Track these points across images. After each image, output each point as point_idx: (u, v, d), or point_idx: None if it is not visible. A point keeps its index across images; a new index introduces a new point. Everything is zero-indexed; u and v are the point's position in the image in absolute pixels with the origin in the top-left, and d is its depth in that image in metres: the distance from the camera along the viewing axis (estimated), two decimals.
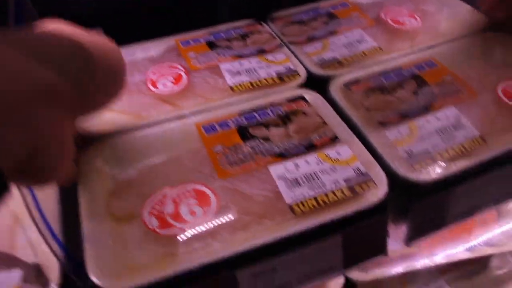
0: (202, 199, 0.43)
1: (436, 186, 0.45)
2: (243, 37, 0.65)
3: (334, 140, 0.49)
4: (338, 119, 0.51)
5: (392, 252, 0.83)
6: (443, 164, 0.45)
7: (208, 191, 0.44)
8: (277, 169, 0.46)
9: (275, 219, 0.42)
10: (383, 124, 0.50)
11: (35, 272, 0.48)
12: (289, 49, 0.63)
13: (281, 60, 0.60)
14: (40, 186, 0.39)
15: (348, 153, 0.47)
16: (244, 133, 0.50)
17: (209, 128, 0.51)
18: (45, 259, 0.50)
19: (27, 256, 0.50)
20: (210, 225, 0.41)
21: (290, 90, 0.56)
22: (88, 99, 0.39)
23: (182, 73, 0.58)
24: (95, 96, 0.40)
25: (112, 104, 0.44)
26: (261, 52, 0.61)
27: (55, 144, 0.34)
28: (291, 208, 0.42)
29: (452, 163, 0.46)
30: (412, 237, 0.49)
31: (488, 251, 0.84)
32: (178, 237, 0.40)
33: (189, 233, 0.41)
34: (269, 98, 0.55)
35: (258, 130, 0.50)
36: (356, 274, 0.81)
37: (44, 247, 0.48)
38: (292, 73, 0.58)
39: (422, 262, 0.82)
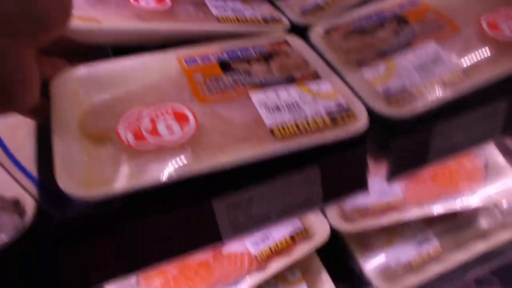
0: (180, 118, 0.42)
1: (414, 121, 0.45)
2: None
3: (315, 76, 0.48)
4: (319, 60, 0.51)
5: (379, 203, 0.85)
6: (421, 99, 0.45)
7: (187, 111, 0.43)
8: (257, 96, 0.45)
9: (255, 141, 0.41)
10: (361, 64, 0.50)
11: (13, 205, 0.48)
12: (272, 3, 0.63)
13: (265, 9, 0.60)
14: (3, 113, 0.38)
15: (329, 88, 0.47)
16: (225, 66, 0.49)
17: (190, 60, 0.50)
18: (23, 194, 0.50)
19: (5, 192, 0.50)
20: (188, 142, 0.40)
21: (274, 33, 0.56)
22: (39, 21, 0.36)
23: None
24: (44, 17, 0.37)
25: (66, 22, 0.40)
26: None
27: (15, 70, 0.34)
28: (271, 131, 0.42)
29: (430, 98, 0.45)
30: (393, 174, 0.49)
31: (474, 204, 0.85)
32: (153, 152, 0.40)
33: (166, 149, 0.40)
34: (252, 39, 0.54)
35: (239, 64, 0.49)
36: (343, 225, 0.81)
37: (24, 183, 0.47)
38: (276, 20, 0.57)
39: (409, 214, 0.83)
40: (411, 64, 0.49)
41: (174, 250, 0.44)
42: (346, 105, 0.45)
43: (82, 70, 0.47)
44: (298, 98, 0.45)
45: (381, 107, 0.45)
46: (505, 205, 0.91)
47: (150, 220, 0.40)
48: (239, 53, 0.51)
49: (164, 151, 0.40)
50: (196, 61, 0.50)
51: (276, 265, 0.76)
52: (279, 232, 0.78)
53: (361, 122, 0.43)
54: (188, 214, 0.41)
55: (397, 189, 0.86)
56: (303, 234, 0.79)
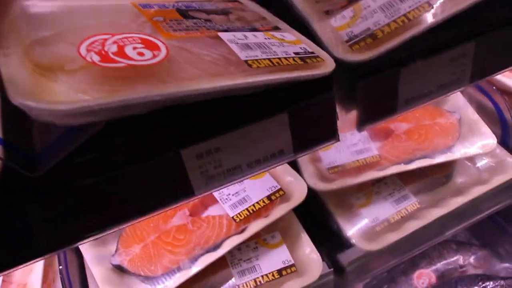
0: (150, 45, 0.40)
1: (379, 65, 0.45)
2: None
3: (275, 28, 0.49)
4: (275, 18, 0.52)
5: (355, 162, 0.85)
6: (384, 40, 0.44)
7: (156, 40, 0.41)
8: (226, 35, 0.45)
9: (232, 72, 0.40)
10: (329, 12, 0.49)
11: None
12: None
13: None
14: None
15: (292, 38, 0.47)
16: (184, 14, 0.48)
17: (146, 5, 0.48)
18: None
19: None
20: (159, 66, 0.38)
21: None
22: None
23: None
24: None
25: None
26: None
27: None
28: (246, 62, 0.41)
29: (394, 38, 0.44)
30: (362, 122, 0.49)
31: (449, 159, 0.86)
32: (122, 73, 0.36)
33: (135, 69, 0.37)
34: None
35: (198, 14, 0.49)
36: (320, 185, 0.82)
37: None
38: None
39: (385, 171, 0.84)
40: (377, 4, 0.48)
41: (147, 205, 0.43)
42: (311, 50, 0.45)
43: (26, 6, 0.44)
44: (266, 41, 0.45)
45: (341, 53, 0.45)
46: (479, 160, 0.92)
47: (118, 173, 0.39)
48: (195, 5, 0.50)
49: (136, 72, 0.37)
50: (152, 6, 0.48)
51: (254, 227, 0.76)
52: (257, 194, 0.78)
53: (328, 63, 0.43)
54: (158, 165, 0.40)
55: (373, 147, 0.86)
56: (281, 194, 0.78)
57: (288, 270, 0.77)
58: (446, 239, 1.06)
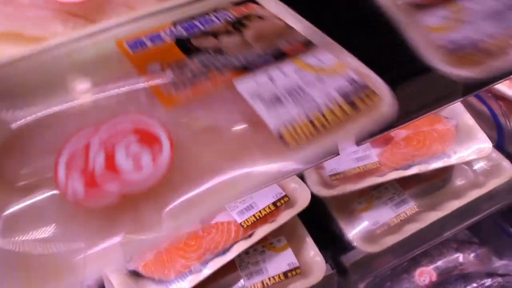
0: (148, 141, 0.29)
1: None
2: None
3: (307, 44, 0.38)
4: (305, 21, 0.40)
5: (356, 169, 0.89)
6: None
7: (155, 128, 0.30)
8: (245, 85, 0.34)
9: (255, 156, 0.31)
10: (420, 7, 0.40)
11: None
12: None
13: None
14: None
15: (332, 61, 0.36)
16: (185, 46, 0.37)
17: (136, 44, 0.37)
18: None
19: None
20: (161, 185, 0.28)
21: None
22: None
23: None
24: None
25: None
26: None
27: None
28: (280, 136, 0.31)
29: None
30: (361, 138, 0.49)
31: (447, 164, 0.89)
32: (118, 210, 0.27)
33: (131, 200, 0.27)
34: (210, 3, 0.43)
35: (204, 40, 0.38)
36: (323, 191, 0.86)
37: None
38: None
39: (385, 177, 0.88)
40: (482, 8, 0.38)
41: None
42: (362, 81, 0.34)
43: None
44: (299, 80, 0.34)
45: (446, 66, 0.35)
46: (476, 164, 0.96)
47: None
48: (198, 24, 0.40)
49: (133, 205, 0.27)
50: (144, 43, 0.38)
51: (261, 232, 0.79)
52: (263, 201, 0.82)
53: (386, 101, 0.33)
54: None
55: (373, 154, 0.90)
56: (286, 201, 0.82)
57: (294, 272, 0.80)
58: (447, 239, 1.10)
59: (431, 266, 1.15)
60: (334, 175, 0.89)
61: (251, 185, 0.30)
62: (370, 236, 0.86)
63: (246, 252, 0.81)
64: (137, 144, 0.29)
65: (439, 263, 1.17)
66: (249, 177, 0.29)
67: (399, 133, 0.92)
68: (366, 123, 0.32)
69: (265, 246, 0.83)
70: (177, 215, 0.28)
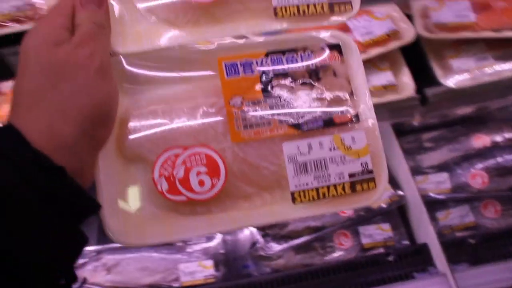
0: (212, 167, 0.44)
1: None
2: None
3: (355, 119, 0.47)
4: (361, 76, 0.49)
5: (455, 22, 1.02)
6: None
7: (219, 160, 0.44)
8: (289, 147, 0.45)
9: (275, 203, 0.45)
10: None
11: None
12: None
13: None
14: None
15: (362, 142, 0.46)
16: (266, 83, 0.47)
17: (231, 68, 0.47)
18: None
19: None
20: (214, 200, 0.44)
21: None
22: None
23: None
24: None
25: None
26: None
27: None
28: (292, 195, 0.45)
29: None
30: None
31: None
32: (184, 204, 0.44)
33: (195, 202, 0.44)
34: (304, 39, 0.50)
35: (283, 81, 0.47)
36: (425, 33, 1.04)
37: None
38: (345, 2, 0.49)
39: (478, 34, 1.02)
40: None
41: None
42: (371, 168, 0.46)
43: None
44: (328, 155, 0.45)
45: None
46: None
47: None
48: (284, 60, 0.48)
49: (193, 204, 0.44)
50: (237, 71, 0.47)
51: (374, 51, 1.01)
52: (380, 29, 1.02)
53: (379, 191, 0.46)
54: None
55: (471, 15, 1.02)
56: (396, 34, 1.02)
57: (391, 87, 1.02)
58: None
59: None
60: (438, 23, 1.02)
61: (254, 221, 0.46)
62: (451, 75, 1.04)
63: None
64: (204, 169, 0.44)
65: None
66: (253, 215, 0.45)
67: (497, 2, 1.02)
68: (353, 203, 0.46)
69: (372, 65, 1.05)
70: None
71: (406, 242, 1.08)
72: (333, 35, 0.49)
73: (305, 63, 0.48)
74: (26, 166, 0.34)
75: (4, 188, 0.33)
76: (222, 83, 0.46)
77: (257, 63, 0.47)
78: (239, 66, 0.46)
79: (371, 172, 0.45)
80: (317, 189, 0.44)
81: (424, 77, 1.04)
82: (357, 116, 0.47)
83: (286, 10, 0.46)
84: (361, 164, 0.45)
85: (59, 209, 0.35)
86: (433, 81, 1.03)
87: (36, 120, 0.37)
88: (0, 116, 1.02)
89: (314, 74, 0.47)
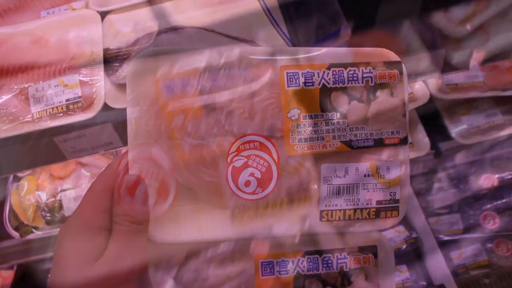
0: (264, 171, 0.44)
1: None
2: None
3: (402, 141, 0.46)
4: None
5: (465, 83, 1.17)
6: None
7: (272, 165, 0.44)
8: (328, 169, 0.45)
9: (302, 215, 0.45)
10: None
11: None
12: None
13: None
14: None
15: (396, 173, 0.46)
16: (325, 96, 0.44)
17: (292, 78, 0.44)
18: None
19: None
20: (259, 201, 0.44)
21: None
22: None
23: None
24: None
25: None
26: None
27: None
28: (321, 213, 0.45)
29: None
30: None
31: None
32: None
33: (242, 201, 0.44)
34: (369, 55, 0.45)
35: (340, 99, 0.44)
36: (439, 94, 1.13)
37: None
38: None
39: (486, 93, 1.13)
40: None
41: None
42: (398, 198, 0.45)
43: None
44: (361, 182, 0.45)
45: None
46: None
47: None
48: (344, 78, 0.44)
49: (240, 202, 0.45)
50: (298, 82, 0.44)
51: None
52: None
53: (398, 219, 0.46)
54: None
55: (480, 75, 1.13)
56: (410, 96, 1.10)
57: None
58: None
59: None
60: (450, 85, 1.14)
61: (284, 228, 0.45)
62: (464, 133, 1.15)
63: None
64: (257, 171, 0.44)
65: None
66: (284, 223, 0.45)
67: (504, 63, 1.11)
68: (372, 225, 0.46)
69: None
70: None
71: (423, 283, 1.11)
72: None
73: (365, 78, 0.45)
74: None
75: None
76: (282, 92, 0.44)
77: (318, 75, 0.44)
78: (300, 76, 0.44)
79: (397, 201, 0.45)
80: (344, 211, 0.45)
81: (437, 131, 1.16)
82: (405, 139, 0.45)
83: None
84: (390, 194, 0.45)
85: None
86: (446, 136, 1.15)
87: None
88: None
89: (372, 92, 0.45)
